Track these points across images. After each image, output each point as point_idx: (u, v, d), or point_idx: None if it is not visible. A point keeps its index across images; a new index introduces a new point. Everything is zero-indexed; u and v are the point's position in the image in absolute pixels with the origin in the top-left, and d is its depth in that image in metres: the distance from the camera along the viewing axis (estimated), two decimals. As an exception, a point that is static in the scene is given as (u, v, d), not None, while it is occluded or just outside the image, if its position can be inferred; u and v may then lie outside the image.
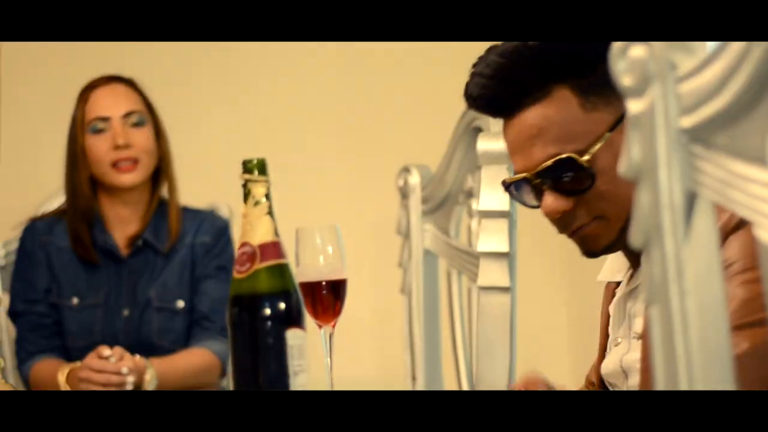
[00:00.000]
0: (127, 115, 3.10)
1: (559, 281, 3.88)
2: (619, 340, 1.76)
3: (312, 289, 1.64)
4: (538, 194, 1.71)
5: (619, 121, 1.64)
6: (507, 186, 1.74)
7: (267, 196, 1.52)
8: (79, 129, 3.10)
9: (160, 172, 3.15)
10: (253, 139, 3.84)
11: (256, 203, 1.51)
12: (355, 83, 3.92)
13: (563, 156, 1.65)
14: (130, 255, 3.14)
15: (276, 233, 1.52)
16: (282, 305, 1.50)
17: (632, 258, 1.76)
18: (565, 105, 1.66)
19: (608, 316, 1.82)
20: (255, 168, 1.51)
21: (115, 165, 3.08)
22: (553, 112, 1.66)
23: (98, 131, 3.08)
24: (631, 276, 1.78)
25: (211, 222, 3.21)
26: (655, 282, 1.04)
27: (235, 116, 3.90)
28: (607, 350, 1.82)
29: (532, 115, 1.67)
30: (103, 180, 3.12)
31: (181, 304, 3.12)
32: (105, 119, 3.08)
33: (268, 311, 1.49)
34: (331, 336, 1.74)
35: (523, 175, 1.70)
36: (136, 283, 3.13)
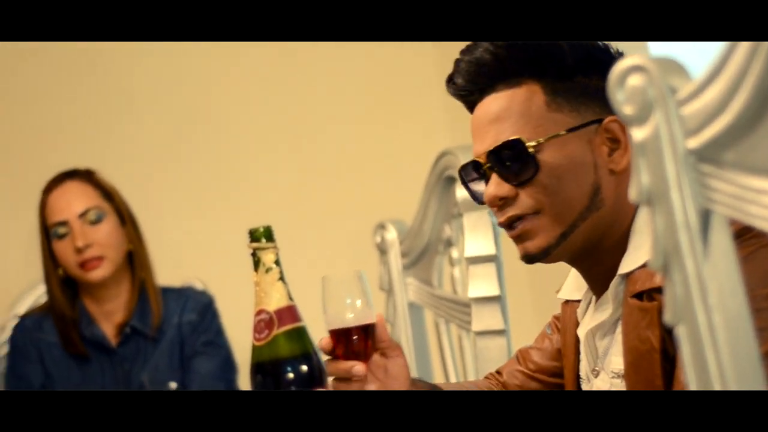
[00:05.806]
0: (84, 213, 3.09)
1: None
2: (597, 369, 1.72)
3: (344, 335, 1.65)
4: (487, 181, 1.70)
5: (580, 127, 1.65)
6: (460, 172, 1.75)
7: (277, 262, 1.53)
8: (44, 236, 3.11)
9: (134, 256, 3.16)
10: (234, 204, 3.84)
11: (268, 270, 1.51)
12: (325, 149, 3.93)
13: (510, 138, 1.66)
14: (120, 344, 3.14)
15: (290, 297, 1.53)
16: (304, 368, 1.51)
17: (591, 281, 1.73)
18: (531, 98, 1.67)
19: (576, 338, 1.78)
20: (262, 236, 1.52)
21: (81, 266, 3.08)
22: (517, 102, 1.67)
23: (61, 236, 3.08)
24: (595, 304, 1.73)
25: (195, 299, 3.21)
26: (678, 302, 1.05)
27: (218, 189, 3.90)
28: (583, 376, 1.78)
29: (498, 102, 1.68)
30: (78, 279, 3.12)
31: (173, 385, 3.11)
32: (63, 223, 3.08)
33: (291, 375, 1.50)
34: None
35: (474, 158, 1.71)
36: (128, 370, 3.11)
